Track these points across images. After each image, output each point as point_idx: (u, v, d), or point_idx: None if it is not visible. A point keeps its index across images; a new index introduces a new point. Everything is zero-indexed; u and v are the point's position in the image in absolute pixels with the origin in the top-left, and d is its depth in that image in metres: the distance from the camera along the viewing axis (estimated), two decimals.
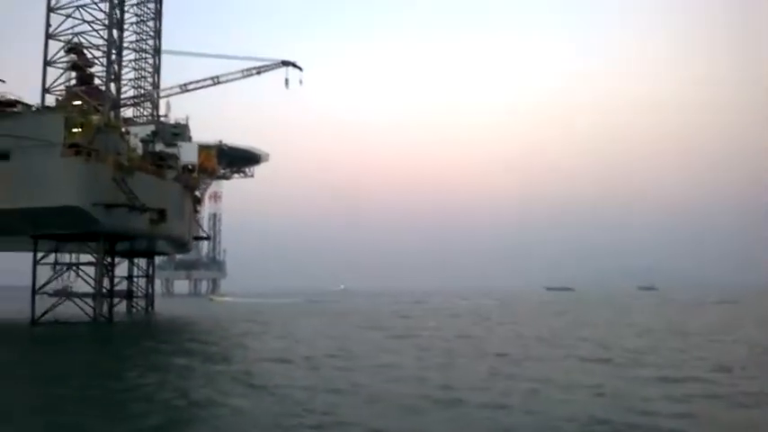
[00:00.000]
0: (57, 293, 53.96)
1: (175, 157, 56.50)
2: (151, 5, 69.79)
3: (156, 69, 69.40)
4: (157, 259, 72.13)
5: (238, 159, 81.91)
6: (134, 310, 66.65)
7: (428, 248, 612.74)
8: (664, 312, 70.09)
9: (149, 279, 69.10)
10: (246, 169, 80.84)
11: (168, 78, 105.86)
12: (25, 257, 70.89)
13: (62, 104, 52.52)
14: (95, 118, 48.41)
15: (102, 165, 46.88)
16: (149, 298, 68.31)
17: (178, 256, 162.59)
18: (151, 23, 70.15)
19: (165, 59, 70.19)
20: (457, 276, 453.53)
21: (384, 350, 30.73)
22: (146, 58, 69.95)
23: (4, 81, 50.89)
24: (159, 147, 57.66)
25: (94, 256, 50.76)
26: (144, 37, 70.33)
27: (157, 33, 69.95)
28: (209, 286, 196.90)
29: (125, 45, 62.98)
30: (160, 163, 54.47)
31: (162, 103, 66.28)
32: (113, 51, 54.91)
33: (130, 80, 67.52)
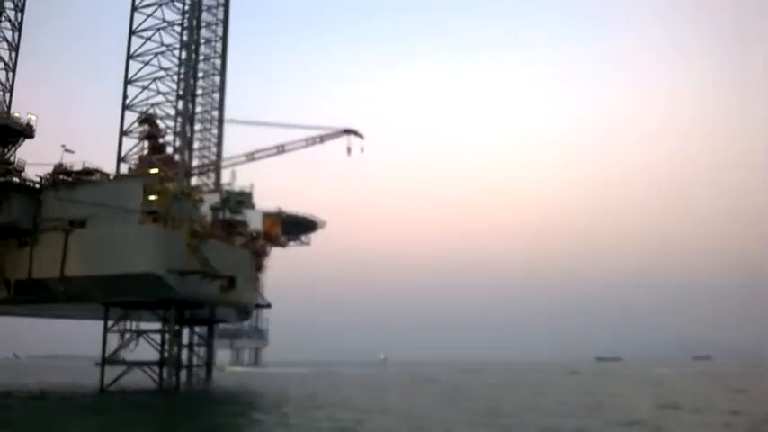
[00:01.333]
0: (125, 362, 53.13)
1: (245, 224, 56.63)
2: (217, 78, 71.69)
3: (219, 139, 70.70)
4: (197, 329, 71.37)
5: (296, 227, 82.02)
6: (194, 379, 65.54)
7: (470, 318, 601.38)
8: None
9: (209, 348, 68.30)
10: (303, 237, 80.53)
11: (231, 148, 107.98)
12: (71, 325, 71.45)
13: (137, 173, 53.33)
14: (171, 186, 48.91)
15: (177, 232, 47.09)
16: (209, 367, 67.29)
17: (222, 325, 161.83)
18: (216, 95, 71.89)
19: (228, 129, 71.54)
20: (500, 347, 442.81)
21: None
22: (209, 129, 71.44)
23: (72, 151, 51.96)
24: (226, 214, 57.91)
25: (164, 325, 50.35)
26: (208, 108, 72.05)
27: (221, 105, 71.58)
28: (251, 355, 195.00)
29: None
30: (230, 230, 54.54)
31: (227, 171, 66.97)
32: (186, 122, 55.94)
33: (195, 149, 68.73)
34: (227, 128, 71.94)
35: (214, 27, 70.54)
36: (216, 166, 68.96)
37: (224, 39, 72.15)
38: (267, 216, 63.31)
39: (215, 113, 72.61)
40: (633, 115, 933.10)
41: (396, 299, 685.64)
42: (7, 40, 55.47)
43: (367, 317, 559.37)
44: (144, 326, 54.32)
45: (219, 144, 71.48)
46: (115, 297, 48.18)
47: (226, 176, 66.25)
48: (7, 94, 55.22)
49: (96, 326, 61.70)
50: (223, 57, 71.69)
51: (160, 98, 56.34)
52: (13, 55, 56.39)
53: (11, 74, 55.94)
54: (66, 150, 51.26)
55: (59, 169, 50.92)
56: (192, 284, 47.65)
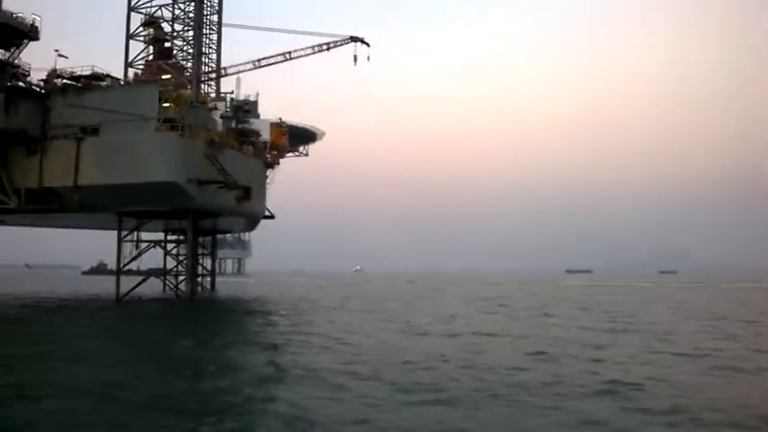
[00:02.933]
0: (142, 272, 53.00)
1: (257, 134, 55.49)
2: None
3: (219, 46, 68.10)
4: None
5: (295, 137, 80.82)
6: (199, 288, 65.97)
7: (449, 230, 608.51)
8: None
9: (214, 258, 68.34)
10: (301, 148, 79.47)
11: (231, 55, 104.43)
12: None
13: (145, 78, 51.42)
14: (186, 92, 47.34)
15: (195, 140, 46.00)
16: (214, 277, 67.57)
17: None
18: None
19: (226, 35, 68.81)
20: (476, 257, 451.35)
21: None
22: (208, 35, 68.61)
23: (66, 56, 49.51)
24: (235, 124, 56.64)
25: (178, 235, 50.06)
26: (207, 12, 68.95)
27: (219, 9, 68.51)
28: (234, 265, 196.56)
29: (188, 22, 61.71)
30: (243, 139, 53.44)
31: (227, 79, 64.96)
32: (198, 25, 53.68)
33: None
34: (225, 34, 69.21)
35: None
36: (218, 73, 66.79)
37: None
38: (274, 126, 62.00)
39: (214, 18, 69.64)
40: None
41: (379, 213, 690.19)
42: None
43: (347, 230, 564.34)
44: (147, 236, 53.98)
45: (219, 51, 68.93)
46: (131, 207, 47.30)
47: (225, 84, 64.61)
48: None
49: (91, 235, 61.58)
50: None
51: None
52: None
53: None
54: (60, 55, 48.81)
55: (54, 74, 48.76)
56: (210, 194, 47.08)
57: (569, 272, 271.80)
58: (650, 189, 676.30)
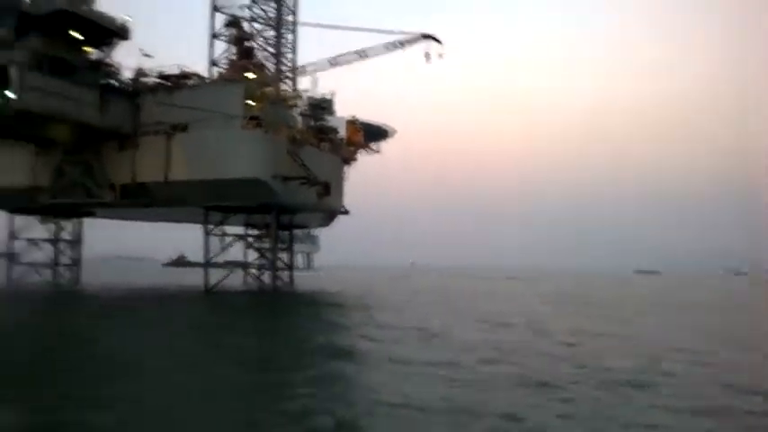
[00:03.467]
0: (228, 264, 54.54)
1: (335, 131, 56.41)
2: None
3: (294, 45, 69.30)
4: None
5: (368, 135, 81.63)
6: (279, 282, 67.39)
7: (516, 226, 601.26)
8: None
9: (291, 252, 69.61)
10: (373, 145, 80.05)
11: (306, 54, 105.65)
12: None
13: (228, 76, 52.85)
14: (269, 90, 48.52)
15: (278, 137, 47.13)
16: (291, 270, 68.79)
17: None
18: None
19: (305, 33, 69.75)
20: (541, 254, 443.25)
21: None
22: (285, 34, 69.88)
23: (151, 56, 51.13)
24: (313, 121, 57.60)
25: (258, 230, 51.32)
26: (283, 13, 70.21)
27: (295, 9, 69.70)
28: (304, 260, 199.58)
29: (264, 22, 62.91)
30: (321, 136, 54.40)
31: (308, 77, 65.99)
32: (281, 25, 54.91)
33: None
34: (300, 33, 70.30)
35: None
36: (294, 72, 67.98)
37: None
38: (350, 123, 62.72)
39: (289, 18, 70.88)
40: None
41: (440, 206, 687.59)
42: None
43: (403, 222, 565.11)
44: (229, 230, 55.56)
45: (294, 50, 70.14)
46: (217, 201, 48.90)
47: (302, 83, 65.61)
48: None
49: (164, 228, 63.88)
50: None
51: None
52: None
53: None
54: (145, 55, 50.56)
55: (141, 73, 50.67)
56: (292, 190, 48.17)
57: (638, 272, 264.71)
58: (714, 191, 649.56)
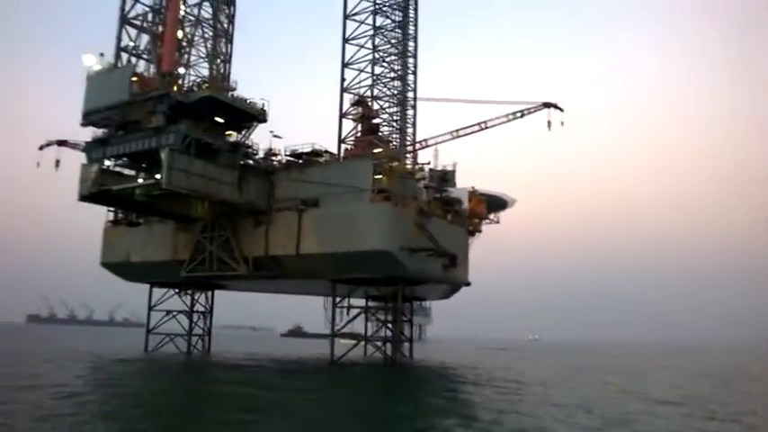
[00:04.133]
0: (355, 336, 55.09)
1: (460, 202, 56.61)
2: (411, 60, 71.83)
3: (414, 119, 71.05)
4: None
5: (488, 205, 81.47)
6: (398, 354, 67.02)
7: (633, 298, 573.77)
8: None
9: (411, 324, 69.35)
10: (492, 215, 79.48)
11: (426, 127, 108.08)
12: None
13: (355, 152, 54.69)
14: (397, 165, 49.64)
15: (406, 210, 47.78)
16: (411, 343, 68.36)
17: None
18: (411, 77, 72.15)
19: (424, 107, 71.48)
20: (668, 327, 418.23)
21: None
22: (407, 110, 71.96)
23: (280, 137, 53.42)
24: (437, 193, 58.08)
25: (379, 302, 51.53)
26: (404, 90, 72.58)
27: (415, 86, 71.83)
28: (416, 331, 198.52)
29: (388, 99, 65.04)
30: (446, 208, 54.69)
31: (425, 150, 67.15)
32: (404, 103, 56.64)
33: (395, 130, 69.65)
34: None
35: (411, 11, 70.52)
36: (414, 145, 69.39)
37: (415, 21, 72.08)
38: (472, 194, 62.74)
39: (410, 94, 73.06)
40: None
41: (552, 280, 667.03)
42: (225, 12, 58.38)
43: (522, 296, 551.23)
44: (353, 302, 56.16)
45: (415, 124, 71.86)
46: (345, 274, 49.86)
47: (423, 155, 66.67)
48: (227, 65, 58.49)
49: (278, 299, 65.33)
50: (415, 39, 71.66)
51: (371, 80, 57.60)
52: (231, 27, 59.55)
53: (229, 45, 59.21)
54: (275, 136, 52.87)
55: (270, 152, 53.21)
56: (419, 262, 48.30)
57: None
58: None
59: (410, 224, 47.87)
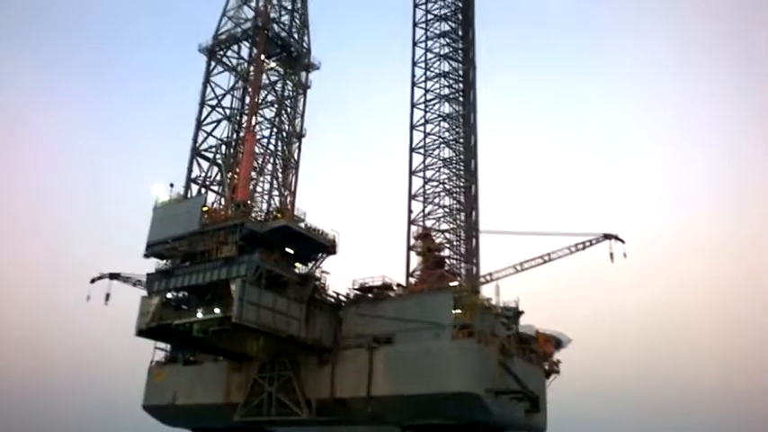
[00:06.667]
0: None
1: (535, 340, 53.07)
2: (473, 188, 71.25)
3: (476, 252, 69.09)
4: None
5: None
6: None
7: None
8: None
9: None
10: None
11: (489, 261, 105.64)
12: None
13: (420, 286, 52.22)
14: (477, 299, 46.91)
15: (489, 348, 44.35)
16: None
17: None
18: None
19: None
20: None
21: None
22: (470, 242, 70.33)
23: (328, 273, 50.84)
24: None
25: None
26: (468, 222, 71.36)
27: (476, 219, 70.61)
28: None
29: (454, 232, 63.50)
30: (524, 346, 51.11)
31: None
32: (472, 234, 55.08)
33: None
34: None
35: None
36: (477, 279, 66.93)
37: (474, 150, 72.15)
38: (540, 333, 59.29)
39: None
40: None
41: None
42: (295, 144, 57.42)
43: None
44: None
45: (477, 256, 69.80)
46: (421, 419, 45.33)
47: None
48: (294, 196, 56.79)
49: None
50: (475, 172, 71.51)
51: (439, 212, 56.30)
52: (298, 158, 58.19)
53: (293, 177, 57.77)
54: (323, 272, 49.89)
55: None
56: (502, 406, 44.02)
57: None
58: None
59: (493, 363, 44.16)
